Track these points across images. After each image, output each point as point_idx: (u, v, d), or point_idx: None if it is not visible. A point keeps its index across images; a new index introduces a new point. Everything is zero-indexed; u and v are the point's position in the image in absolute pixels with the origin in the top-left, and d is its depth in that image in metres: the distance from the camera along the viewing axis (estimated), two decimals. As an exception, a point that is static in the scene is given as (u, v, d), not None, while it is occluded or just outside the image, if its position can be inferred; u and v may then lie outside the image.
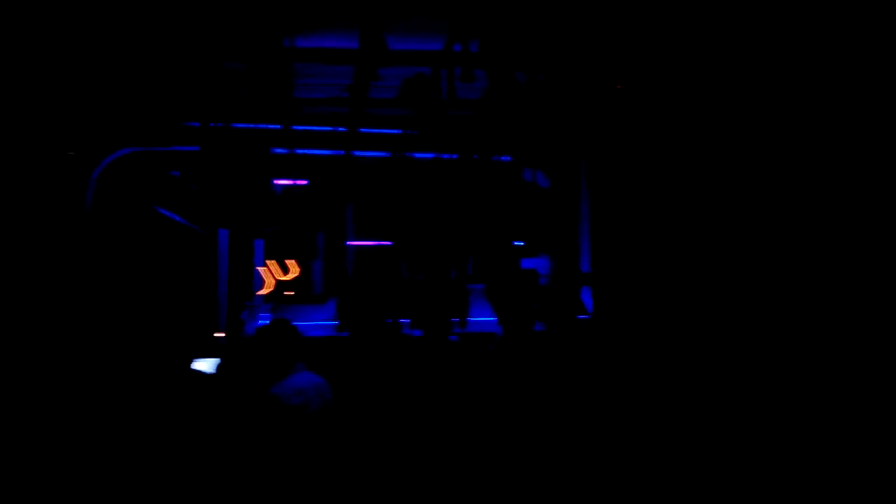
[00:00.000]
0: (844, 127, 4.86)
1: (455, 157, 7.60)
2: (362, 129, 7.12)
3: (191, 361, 5.73)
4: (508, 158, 7.82)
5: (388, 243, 9.05)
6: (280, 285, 9.56)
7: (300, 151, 7.73)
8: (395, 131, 7.16)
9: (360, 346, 6.84)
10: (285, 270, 9.94)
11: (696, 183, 6.19)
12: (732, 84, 5.67)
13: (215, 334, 8.65)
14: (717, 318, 5.99)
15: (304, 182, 8.89)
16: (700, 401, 5.67)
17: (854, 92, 4.75)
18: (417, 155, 7.76)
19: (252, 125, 7.00)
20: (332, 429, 4.31)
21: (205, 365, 5.83)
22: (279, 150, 7.47)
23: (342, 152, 7.79)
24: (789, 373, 5.09)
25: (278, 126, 6.96)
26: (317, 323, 8.10)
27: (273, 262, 9.70)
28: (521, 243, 7.87)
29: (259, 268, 9.39)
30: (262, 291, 9.31)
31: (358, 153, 7.66)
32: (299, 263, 9.78)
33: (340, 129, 7.40)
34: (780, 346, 5.25)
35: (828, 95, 4.92)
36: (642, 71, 6.34)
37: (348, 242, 9.51)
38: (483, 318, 7.88)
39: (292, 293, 9.10)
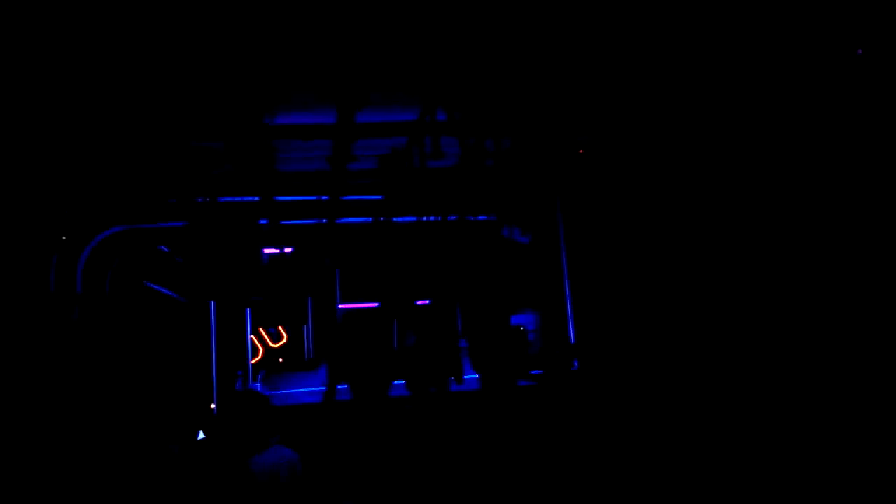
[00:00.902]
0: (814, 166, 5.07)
1: (435, 218, 7.82)
2: (344, 197, 7.34)
3: (188, 434, 5.79)
4: (488, 217, 8.07)
5: (376, 305, 9.20)
6: (270, 353, 9.64)
7: (285, 222, 7.93)
8: (377, 197, 7.39)
9: (352, 410, 6.90)
10: (275, 338, 10.03)
11: (671, 229, 6.40)
12: (692, 134, 5.93)
13: (210, 405, 8.70)
14: (704, 357, 6.10)
15: (290, 249, 9.09)
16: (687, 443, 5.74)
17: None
18: (399, 219, 7.98)
19: (237, 198, 7.20)
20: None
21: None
22: (264, 221, 7.67)
23: (326, 220, 8.00)
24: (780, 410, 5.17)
25: (260, 198, 7.18)
26: (309, 389, 8.17)
27: (262, 329, 9.81)
28: (506, 300, 8.03)
29: (251, 336, 9.49)
30: (254, 360, 9.39)
31: (342, 220, 7.86)
32: (288, 330, 9.88)
33: (323, 197, 7.62)
34: (765, 393, 5.34)
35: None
36: (606, 129, 6.61)
37: (338, 305, 9.66)
38: (468, 376, 7.96)
39: (283, 360, 9.18)
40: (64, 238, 6.91)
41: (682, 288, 6.32)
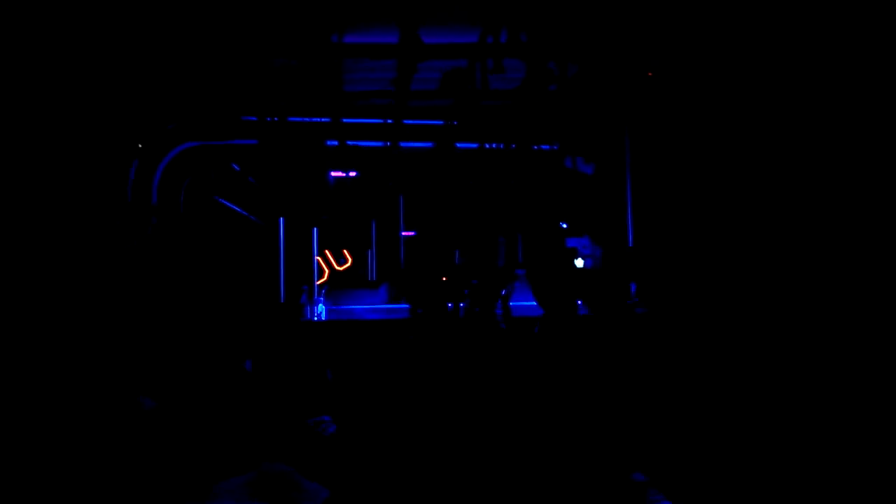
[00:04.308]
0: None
1: (497, 146, 7.79)
2: (408, 121, 7.37)
3: (257, 350, 6.10)
4: (551, 147, 7.97)
5: (436, 232, 9.30)
6: (335, 274, 9.94)
7: (351, 142, 8.03)
8: (438, 122, 7.39)
9: (419, 326, 7.06)
10: (340, 261, 10.32)
11: (739, 164, 6.21)
12: (769, 59, 5.68)
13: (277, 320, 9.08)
14: (761, 301, 5.98)
15: (355, 174, 9.23)
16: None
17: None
18: (462, 145, 7.97)
19: (306, 119, 7.32)
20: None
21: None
22: (332, 143, 7.79)
23: (390, 143, 8.06)
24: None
25: (329, 119, 7.27)
26: (370, 306, 8.42)
27: (329, 252, 10.10)
28: (565, 225, 7.99)
29: (317, 258, 9.79)
30: (320, 281, 9.70)
31: (406, 144, 7.91)
32: (353, 253, 10.14)
33: (388, 121, 7.67)
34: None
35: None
36: (678, 55, 6.38)
37: (402, 233, 9.82)
38: (528, 303, 8.00)
39: (347, 280, 9.47)
40: (140, 146, 7.19)
41: (755, 233, 6.15)
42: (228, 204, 8.84)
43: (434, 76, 6.26)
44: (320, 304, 8.20)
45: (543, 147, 7.80)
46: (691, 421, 5.53)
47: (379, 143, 8.02)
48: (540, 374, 6.44)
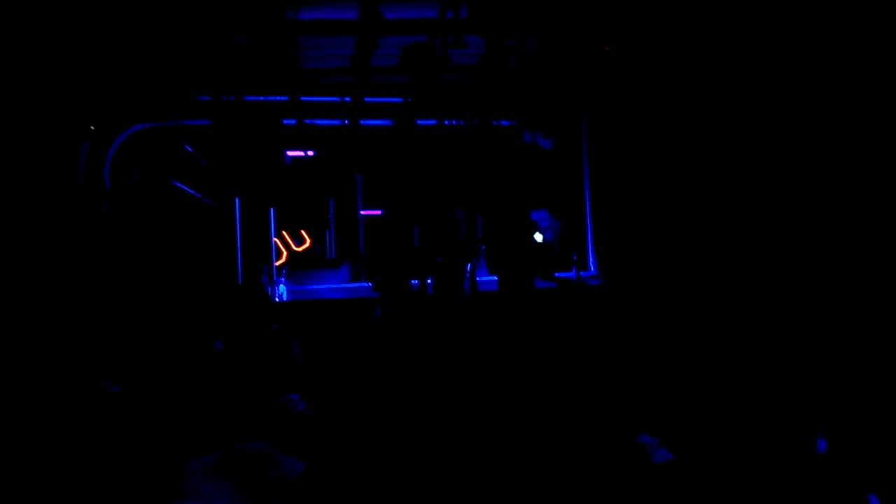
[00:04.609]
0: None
1: (456, 122, 7.82)
2: (367, 99, 7.34)
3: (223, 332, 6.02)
4: (510, 123, 8.04)
5: (395, 210, 9.31)
6: (292, 255, 9.86)
7: (308, 122, 7.94)
8: (397, 99, 7.38)
9: (384, 303, 7.08)
10: (298, 241, 10.24)
11: (693, 137, 6.36)
12: (721, 36, 5.82)
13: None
14: (717, 278, 6.16)
15: (313, 153, 9.14)
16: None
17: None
18: (420, 122, 7.98)
19: (261, 98, 7.22)
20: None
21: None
22: (289, 122, 7.71)
23: (348, 122, 8.00)
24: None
25: (286, 98, 7.19)
26: (332, 286, 8.40)
27: (286, 233, 10.01)
28: (526, 204, 8.10)
29: (274, 239, 9.69)
30: (278, 262, 9.61)
31: (365, 122, 7.87)
32: (311, 234, 10.07)
33: (347, 98, 7.62)
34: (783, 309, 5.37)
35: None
36: (634, 30, 6.49)
37: (360, 212, 9.79)
38: (486, 278, 8.10)
39: (306, 260, 9.42)
40: (92, 128, 7.00)
41: (705, 209, 6.30)
42: (182, 186, 8.68)
43: (392, 52, 6.24)
44: (281, 285, 8.14)
45: (502, 123, 7.87)
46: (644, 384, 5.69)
47: (337, 122, 7.97)
48: (500, 344, 6.51)
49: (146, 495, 3.41)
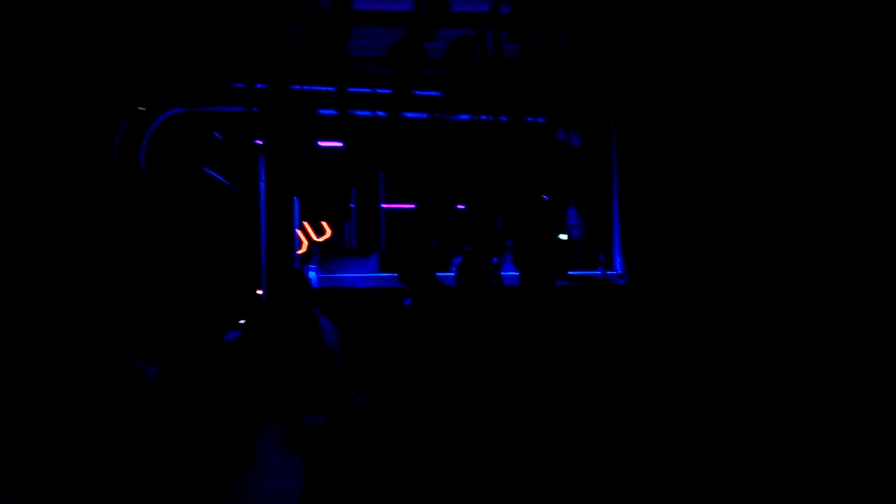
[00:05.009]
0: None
1: (490, 118, 7.90)
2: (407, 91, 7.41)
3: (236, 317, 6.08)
4: (534, 120, 8.12)
5: (417, 206, 9.39)
6: (312, 245, 9.95)
7: (322, 111, 7.95)
8: (435, 93, 7.45)
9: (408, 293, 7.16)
10: (318, 232, 10.33)
11: (724, 143, 6.45)
12: (758, 45, 5.91)
13: (258, 291, 9.07)
14: (747, 284, 6.23)
15: (339, 144, 9.22)
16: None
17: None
18: (452, 117, 8.03)
19: (308, 87, 7.29)
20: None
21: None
22: (324, 112, 7.79)
23: (376, 114, 8.05)
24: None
25: (334, 88, 7.25)
26: (362, 275, 8.49)
27: (307, 223, 10.10)
28: (554, 202, 8.18)
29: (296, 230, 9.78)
30: (299, 252, 9.71)
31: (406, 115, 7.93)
32: (332, 225, 10.16)
33: (378, 90, 7.69)
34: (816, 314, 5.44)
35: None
36: (667, 34, 6.59)
37: (381, 205, 9.88)
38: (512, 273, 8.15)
39: (335, 248, 9.52)
40: (141, 109, 7.08)
41: (732, 214, 6.38)
42: (211, 172, 8.75)
43: (432, 45, 6.32)
44: (311, 272, 8.22)
45: (529, 119, 7.95)
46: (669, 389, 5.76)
47: (368, 113, 8.04)
48: (523, 338, 6.57)
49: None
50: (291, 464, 3.37)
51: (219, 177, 8.95)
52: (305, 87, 7.42)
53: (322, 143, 9.19)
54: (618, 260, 8.06)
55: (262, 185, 9.08)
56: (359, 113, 7.72)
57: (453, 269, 7.75)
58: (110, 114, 7.26)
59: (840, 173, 5.38)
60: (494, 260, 7.68)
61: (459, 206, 9.00)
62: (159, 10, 6.59)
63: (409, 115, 7.91)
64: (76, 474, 3.37)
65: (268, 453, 3.41)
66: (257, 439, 3.50)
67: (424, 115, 7.84)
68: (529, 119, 7.89)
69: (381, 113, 7.77)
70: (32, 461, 3.39)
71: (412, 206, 9.58)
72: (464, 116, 7.79)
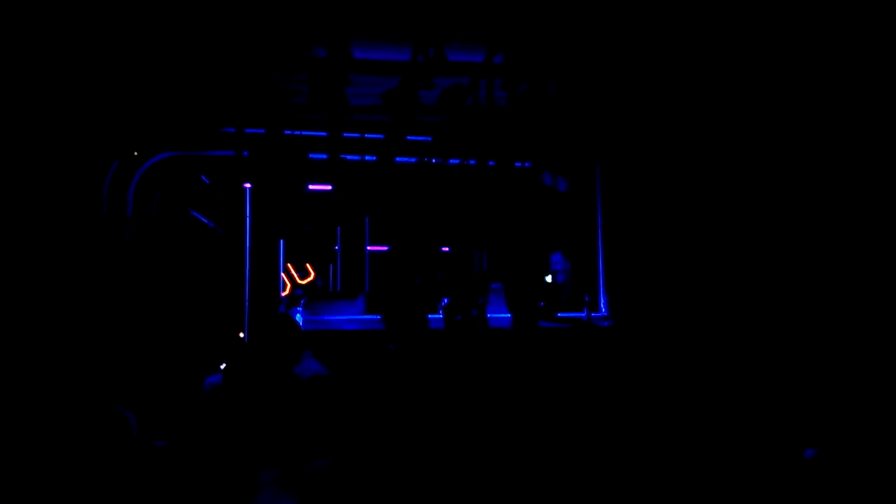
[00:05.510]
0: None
1: (475, 163, 8.05)
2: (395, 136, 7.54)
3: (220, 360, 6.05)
4: (522, 164, 8.29)
5: (405, 247, 9.46)
6: (296, 288, 9.95)
7: (313, 155, 8.05)
8: (426, 138, 7.59)
9: (393, 337, 7.20)
10: (302, 274, 10.34)
11: (707, 188, 6.62)
12: (736, 86, 6.11)
13: (240, 334, 9.02)
14: (730, 318, 6.34)
15: (327, 187, 9.30)
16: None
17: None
18: (441, 161, 8.17)
19: (303, 133, 7.39)
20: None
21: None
22: (314, 156, 7.88)
23: (364, 158, 8.15)
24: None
25: (326, 133, 7.35)
26: (348, 317, 8.49)
27: (291, 266, 10.10)
28: (541, 245, 8.31)
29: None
30: (284, 293, 9.70)
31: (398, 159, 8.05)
32: (316, 268, 10.18)
33: (370, 135, 7.82)
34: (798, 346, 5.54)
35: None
36: (649, 84, 6.79)
37: (367, 247, 9.94)
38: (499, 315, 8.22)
39: (319, 291, 9.51)
40: (136, 154, 7.10)
41: (714, 258, 6.51)
42: (198, 216, 8.76)
43: (429, 94, 6.47)
44: (297, 315, 8.21)
45: (516, 164, 8.12)
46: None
47: (357, 157, 8.15)
48: (508, 379, 6.58)
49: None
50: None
51: (205, 220, 8.96)
52: (297, 133, 7.52)
53: (311, 187, 9.27)
54: (603, 302, 8.17)
55: (248, 228, 9.11)
56: (349, 157, 7.83)
57: (440, 311, 7.81)
58: (100, 157, 7.27)
59: (821, 217, 5.54)
60: (480, 301, 7.77)
61: (444, 249, 9.11)
62: (154, 56, 6.66)
63: (398, 159, 8.04)
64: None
65: (265, 499, 3.40)
66: (256, 483, 3.48)
67: (413, 160, 7.98)
68: (517, 164, 8.06)
69: (369, 157, 7.88)
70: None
71: (398, 248, 9.64)
72: (453, 161, 7.93)
